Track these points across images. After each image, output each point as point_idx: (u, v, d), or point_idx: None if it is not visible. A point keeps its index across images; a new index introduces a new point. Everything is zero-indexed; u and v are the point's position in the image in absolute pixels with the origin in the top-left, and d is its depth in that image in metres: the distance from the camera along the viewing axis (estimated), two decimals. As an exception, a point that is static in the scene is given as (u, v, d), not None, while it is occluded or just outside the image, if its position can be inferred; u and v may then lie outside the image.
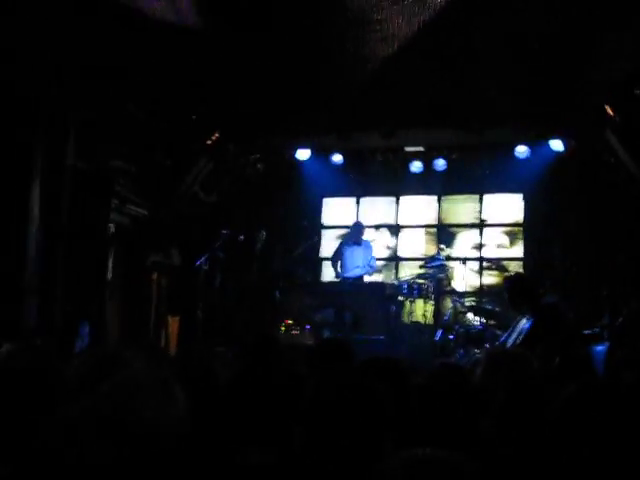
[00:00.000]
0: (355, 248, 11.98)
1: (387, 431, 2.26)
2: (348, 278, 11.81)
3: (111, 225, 10.02)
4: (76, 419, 1.72)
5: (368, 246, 12.17)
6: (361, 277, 11.94)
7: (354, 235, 12.07)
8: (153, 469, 1.70)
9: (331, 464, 2.18)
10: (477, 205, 13.17)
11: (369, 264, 12.07)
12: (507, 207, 13.07)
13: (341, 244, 12.31)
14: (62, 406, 2.25)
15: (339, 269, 12.08)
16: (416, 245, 13.37)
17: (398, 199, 13.56)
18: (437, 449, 1.70)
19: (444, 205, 13.38)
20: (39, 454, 1.67)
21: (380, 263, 13.36)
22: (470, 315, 11.14)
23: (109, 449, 1.65)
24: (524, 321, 6.62)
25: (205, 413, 2.85)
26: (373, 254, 12.21)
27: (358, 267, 11.89)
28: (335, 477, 2.15)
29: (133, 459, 1.66)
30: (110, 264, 10.08)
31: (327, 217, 13.78)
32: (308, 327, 11.03)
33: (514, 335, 6.65)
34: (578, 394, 2.25)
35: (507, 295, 7.04)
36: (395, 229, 13.60)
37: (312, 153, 12.66)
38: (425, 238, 13.49)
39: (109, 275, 10.01)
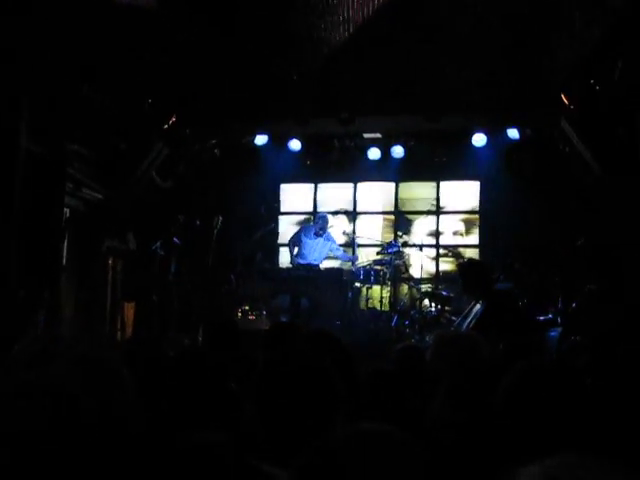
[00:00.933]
0: (317, 239, 11.95)
1: (338, 406, 2.27)
2: (303, 265, 11.78)
3: (66, 209, 9.91)
4: (13, 393, 1.70)
5: (329, 238, 12.15)
6: (317, 265, 11.93)
7: (319, 226, 12.02)
8: (96, 444, 1.69)
9: (283, 440, 2.19)
10: (434, 192, 13.24)
11: (340, 254, 12.20)
12: (464, 194, 13.15)
13: (301, 231, 12.26)
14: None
15: (296, 255, 12.05)
16: (373, 231, 13.40)
17: (356, 185, 13.57)
18: (383, 424, 1.71)
19: (401, 192, 13.43)
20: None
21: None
22: (426, 301, 11.23)
23: (46, 423, 1.63)
24: (477, 306, 6.68)
25: (153, 395, 2.84)
26: (335, 245, 12.26)
27: (315, 258, 11.88)
28: (287, 452, 2.15)
29: (73, 435, 1.65)
30: (65, 249, 9.97)
31: (285, 203, 13.74)
32: (264, 313, 11.02)
33: (467, 320, 6.70)
34: (522, 376, 2.27)
35: (461, 280, 7.11)
36: (352, 215, 13.62)
37: (269, 139, 12.62)
38: (382, 224, 13.54)
39: (64, 260, 9.91)
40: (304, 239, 12.02)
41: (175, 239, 10.77)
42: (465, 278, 7.00)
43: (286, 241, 12.71)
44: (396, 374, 3.45)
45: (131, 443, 2.02)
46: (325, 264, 12.25)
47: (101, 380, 2.07)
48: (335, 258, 12.53)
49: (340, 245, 12.64)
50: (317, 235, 11.94)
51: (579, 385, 2.26)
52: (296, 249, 12.10)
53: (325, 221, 12.11)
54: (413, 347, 4.67)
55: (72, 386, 1.74)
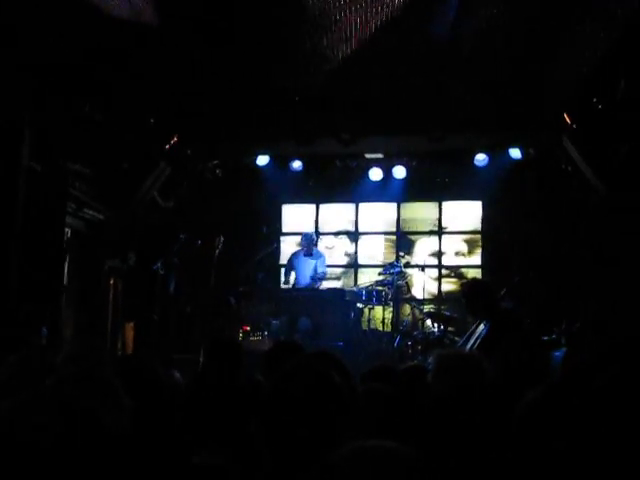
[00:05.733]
0: (306, 259, 11.93)
1: (343, 419, 2.23)
2: (300, 288, 11.73)
3: (67, 229, 9.88)
4: (17, 409, 1.66)
5: (319, 256, 12.13)
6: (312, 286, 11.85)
7: (305, 246, 12.01)
8: (94, 460, 1.64)
9: (290, 455, 2.14)
10: (436, 212, 13.21)
11: (320, 273, 12.01)
12: (466, 214, 13.12)
13: (293, 255, 12.26)
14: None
15: (292, 280, 12.01)
16: (375, 252, 13.36)
17: (357, 206, 13.56)
18: (386, 441, 1.68)
19: (403, 212, 13.40)
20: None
21: (339, 270, 13.40)
22: (429, 321, 11.17)
23: (48, 439, 1.59)
24: (481, 326, 6.62)
25: (153, 416, 2.79)
26: (325, 263, 12.18)
27: (311, 278, 11.83)
28: (294, 468, 2.11)
29: (73, 449, 1.61)
30: (66, 269, 9.93)
31: (286, 224, 13.72)
32: (266, 334, 10.95)
33: (471, 340, 6.64)
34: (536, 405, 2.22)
35: (464, 300, 7.04)
36: (354, 236, 13.59)
37: (271, 159, 12.60)
38: (384, 245, 13.51)
39: (65, 280, 9.86)
40: (296, 260, 12.01)
41: (175, 259, 10.74)
42: (468, 298, 6.94)
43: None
44: (393, 395, 3.40)
45: (127, 460, 1.97)
46: (326, 284, 12.21)
47: (96, 395, 2.03)
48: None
49: (341, 266, 12.55)
50: (306, 254, 11.92)
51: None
52: (293, 275, 12.05)
53: (308, 238, 12.05)
54: (417, 367, 4.61)
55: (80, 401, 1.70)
